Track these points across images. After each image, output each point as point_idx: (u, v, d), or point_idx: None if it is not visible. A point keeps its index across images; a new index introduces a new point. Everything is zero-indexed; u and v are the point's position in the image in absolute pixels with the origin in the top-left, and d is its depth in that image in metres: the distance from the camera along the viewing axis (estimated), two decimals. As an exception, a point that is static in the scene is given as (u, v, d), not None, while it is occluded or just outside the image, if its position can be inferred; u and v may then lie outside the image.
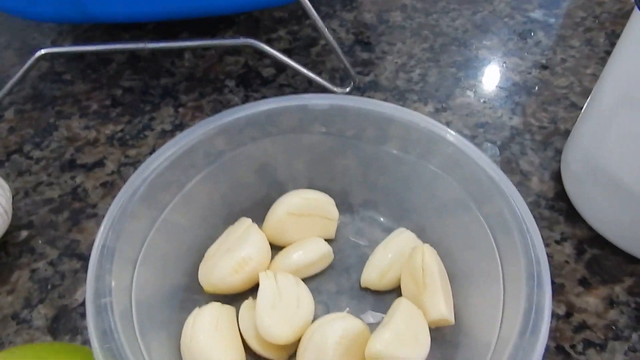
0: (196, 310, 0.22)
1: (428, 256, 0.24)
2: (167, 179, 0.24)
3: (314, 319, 0.23)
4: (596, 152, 0.27)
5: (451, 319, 0.23)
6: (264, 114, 0.26)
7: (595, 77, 0.38)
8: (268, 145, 0.28)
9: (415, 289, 0.24)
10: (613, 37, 0.42)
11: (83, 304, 0.25)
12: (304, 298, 0.23)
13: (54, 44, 0.42)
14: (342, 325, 0.22)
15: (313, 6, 0.46)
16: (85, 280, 0.26)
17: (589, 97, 0.29)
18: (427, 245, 0.25)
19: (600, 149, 0.27)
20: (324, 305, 0.25)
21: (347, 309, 0.25)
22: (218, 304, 0.23)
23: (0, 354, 0.19)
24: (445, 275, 0.25)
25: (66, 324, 0.25)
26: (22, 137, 0.34)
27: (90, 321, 0.17)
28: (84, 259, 0.27)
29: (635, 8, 0.24)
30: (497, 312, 0.21)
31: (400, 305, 0.22)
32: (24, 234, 0.28)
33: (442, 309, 0.23)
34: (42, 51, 0.33)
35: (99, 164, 0.33)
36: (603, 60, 0.40)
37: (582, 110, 0.30)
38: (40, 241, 0.28)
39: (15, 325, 0.25)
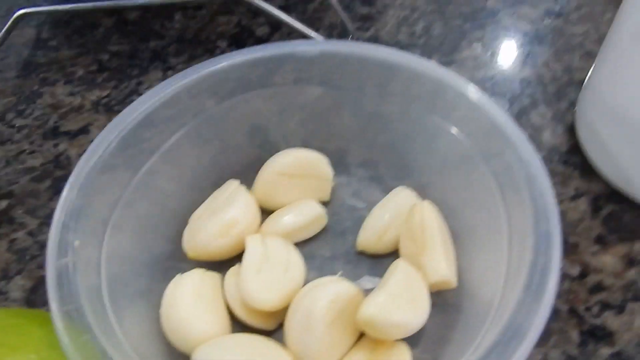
0: (177, 277, 0.21)
1: (428, 213, 0.22)
2: (143, 134, 0.22)
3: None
4: (613, 98, 0.25)
5: (453, 280, 0.21)
6: (249, 63, 0.24)
7: (614, 23, 0.35)
8: (258, 102, 0.26)
9: (414, 249, 0.22)
10: (634, -19, 0.38)
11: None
12: (294, 262, 0.22)
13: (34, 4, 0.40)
14: (333, 289, 0.20)
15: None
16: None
17: (604, 42, 0.26)
18: (426, 202, 0.23)
19: (617, 94, 0.24)
20: (317, 271, 0.24)
21: (340, 272, 0.23)
22: (201, 270, 0.21)
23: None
24: (448, 234, 0.23)
25: (44, 295, 0.23)
26: (5, 105, 0.33)
27: (50, 283, 0.16)
28: (67, 227, 0.26)
29: None
30: (501, 270, 0.19)
31: (398, 267, 0.21)
32: (4, 203, 0.27)
33: (443, 270, 0.21)
34: (21, 11, 0.32)
35: (84, 130, 0.31)
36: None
37: (597, 56, 0.27)
38: (20, 211, 0.27)
39: (-6, 297, 0.24)
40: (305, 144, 0.27)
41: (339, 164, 0.27)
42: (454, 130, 0.23)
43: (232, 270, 0.22)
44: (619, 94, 0.24)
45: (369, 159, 0.28)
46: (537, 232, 0.18)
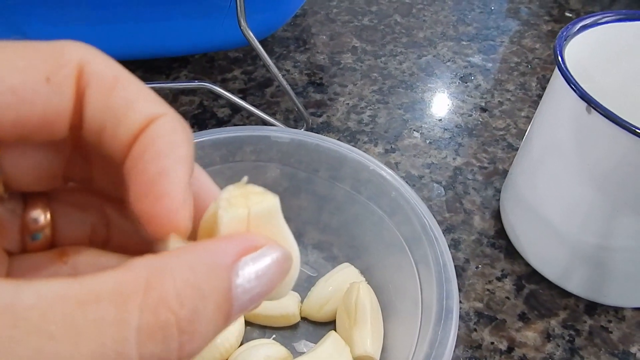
0: None
1: (362, 293, 0.25)
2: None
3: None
4: (528, 193, 0.29)
5: (375, 356, 0.24)
6: (224, 141, 0.27)
7: (529, 119, 0.42)
8: (220, 182, 0.28)
9: (347, 323, 0.25)
10: (544, 82, 0.45)
11: None
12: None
13: None
14: (264, 351, 0.23)
15: (267, 46, 0.48)
16: None
17: (522, 142, 0.31)
18: (363, 283, 0.26)
19: (531, 190, 0.29)
20: (259, 332, 0.26)
21: (274, 336, 0.26)
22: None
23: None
24: (379, 313, 0.26)
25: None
26: None
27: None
28: None
29: (556, 69, 0.26)
30: (414, 336, 0.22)
31: (329, 338, 0.24)
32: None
33: (368, 347, 0.24)
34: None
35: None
36: (535, 104, 0.43)
37: (517, 153, 0.32)
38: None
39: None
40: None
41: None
42: (389, 220, 0.27)
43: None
44: (532, 191, 0.29)
45: (324, 240, 0.31)
46: (441, 312, 0.21)
